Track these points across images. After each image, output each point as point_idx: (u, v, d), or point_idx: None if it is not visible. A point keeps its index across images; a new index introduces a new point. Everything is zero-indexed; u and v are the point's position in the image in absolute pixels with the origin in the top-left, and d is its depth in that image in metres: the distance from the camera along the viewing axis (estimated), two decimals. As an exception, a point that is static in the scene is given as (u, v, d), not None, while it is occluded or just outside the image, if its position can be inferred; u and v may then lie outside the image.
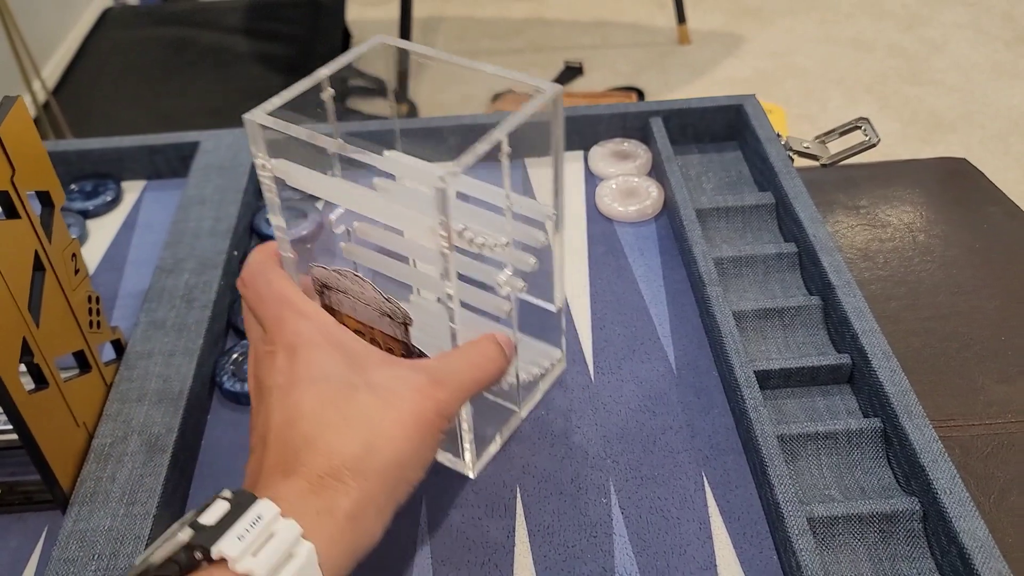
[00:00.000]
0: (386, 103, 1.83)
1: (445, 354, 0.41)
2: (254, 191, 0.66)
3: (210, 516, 0.31)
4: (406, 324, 0.41)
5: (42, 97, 1.62)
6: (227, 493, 0.32)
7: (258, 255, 0.42)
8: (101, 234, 0.65)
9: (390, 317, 0.42)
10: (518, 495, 0.46)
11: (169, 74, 1.80)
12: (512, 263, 0.43)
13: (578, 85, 1.99)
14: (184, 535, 0.31)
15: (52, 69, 1.85)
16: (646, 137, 0.70)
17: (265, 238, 0.63)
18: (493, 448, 0.48)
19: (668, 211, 0.64)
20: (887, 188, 0.71)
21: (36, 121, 1.66)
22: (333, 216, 0.47)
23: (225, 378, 0.52)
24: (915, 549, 0.43)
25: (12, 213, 0.40)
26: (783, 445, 0.47)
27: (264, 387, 0.38)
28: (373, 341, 0.42)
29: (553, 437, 0.49)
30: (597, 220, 0.65)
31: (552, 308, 0.48)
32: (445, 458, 0.47)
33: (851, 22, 2.21)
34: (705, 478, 0.47)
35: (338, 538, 0.33)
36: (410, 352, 0.42)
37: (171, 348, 0.51)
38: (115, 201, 0.67)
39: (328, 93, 0.43)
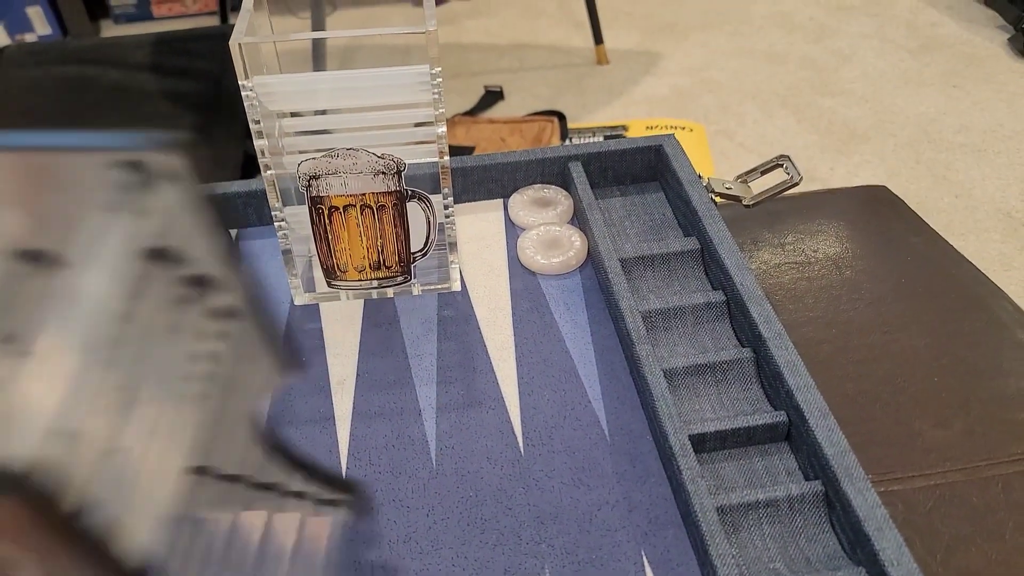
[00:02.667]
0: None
1: None
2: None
3: None
4: (399, 172, 0.52)
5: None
6: None
7: None
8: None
9: (383, 173, 0.52)
10: (448, 591, 0.43)
11: (69, 116, 1.72)
12: None
13: (499, 110, 1.97)
14: None
15: (-58, 115, 1.75)
16: (566, 182, 0.68)
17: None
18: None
19: (592, 260, 0.62)
20: (811, 221, 0.71)
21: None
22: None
23: None
24: (865, 623, 0.41)
25: None
26: (723, 517, 0.45)
27: None
28: (364, 207, 0.53)
29: (483, 522, 0.46)
30: (519, 273, 0.62)
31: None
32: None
33: (762, 35, 2.25)
34: (645, 557, 0.44)
35: None
36: (404, 198, 0.54)
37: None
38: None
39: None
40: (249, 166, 1.56)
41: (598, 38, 2.10)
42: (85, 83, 1.83)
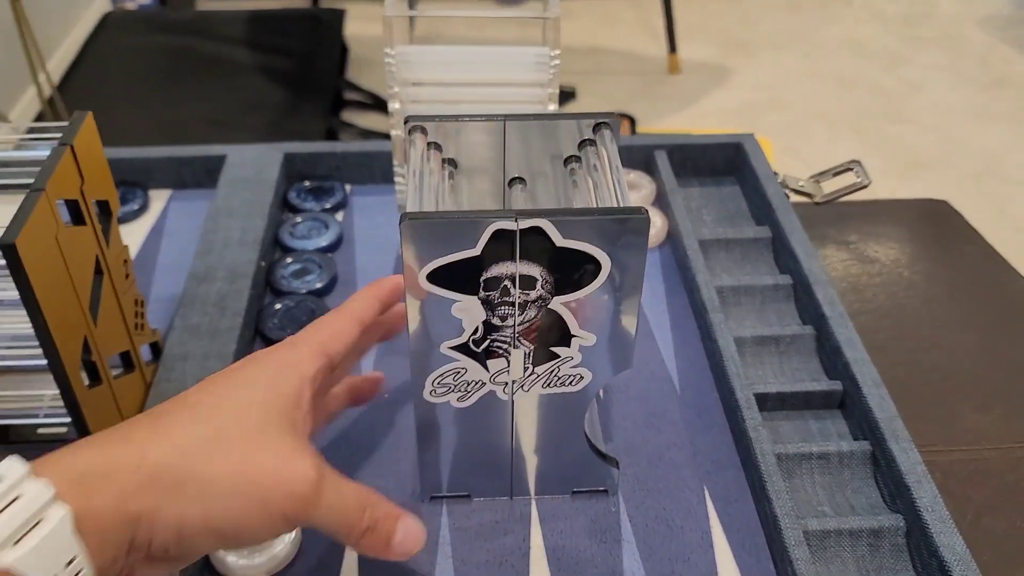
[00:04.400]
0: (382, 117, 1.86)
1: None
2: (279, 205, 0.69)
3: None
4: None
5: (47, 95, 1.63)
6: None
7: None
8: (129, 240, 0.67)
9: None
10: (533, 502, 0.50)
11: (168, 82, 1.82)
12: None
13: (571, 109, 2.04)
14: None
15: (51, 71, 1.86)
16: (649, 168, 0.74)
17: (288, 250, 0.66)
18: None
19: (671, 240, 0.68)
20: (875, 225, 0.76)
21: (40, 119, 1.67)
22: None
23: (254, 383, 0.55)
24: (899, 562, 0.46)
25: (79, 220, 0.43)
26: (780, 463, 0.50)
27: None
28: None
29: (565, 449, 0.53)
30: (604, 246, 0.68)
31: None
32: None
33: (834, 59, 2.28)
34: (707, 491, 0.50)
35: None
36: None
37: (205, 352, 0.54)
38: (143, 209, 0.70)
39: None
40: (330, 140, 1.64)
41: (673, 47, 2.15)
42: (182, 52, 1.93)
